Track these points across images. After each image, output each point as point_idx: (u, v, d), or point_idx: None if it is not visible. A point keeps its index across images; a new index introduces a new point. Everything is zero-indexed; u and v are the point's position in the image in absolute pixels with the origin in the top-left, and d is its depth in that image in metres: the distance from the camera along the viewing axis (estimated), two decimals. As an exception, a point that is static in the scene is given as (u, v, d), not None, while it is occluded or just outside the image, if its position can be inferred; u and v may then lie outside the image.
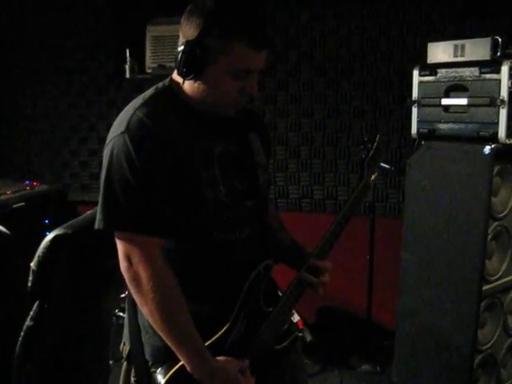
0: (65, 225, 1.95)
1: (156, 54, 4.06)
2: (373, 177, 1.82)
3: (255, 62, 1.47)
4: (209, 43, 1.43)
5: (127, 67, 4.07)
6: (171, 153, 1.44)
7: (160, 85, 1.57)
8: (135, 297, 1.47)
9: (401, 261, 2.99)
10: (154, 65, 4.03)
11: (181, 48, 1.45)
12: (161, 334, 1.46)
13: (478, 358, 2.83)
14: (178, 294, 1.46)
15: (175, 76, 1.54)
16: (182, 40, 1.47)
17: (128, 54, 4.04)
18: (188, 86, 1.50)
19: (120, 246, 1.46)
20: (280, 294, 1.69)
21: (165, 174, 1.44)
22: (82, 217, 2.08)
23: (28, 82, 4.43)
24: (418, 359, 2.99)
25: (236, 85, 1.48)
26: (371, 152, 1.80)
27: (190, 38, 1.44)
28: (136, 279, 1.44)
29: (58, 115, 4.42)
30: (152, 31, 4.05)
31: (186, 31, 1.46)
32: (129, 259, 1.44)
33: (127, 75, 4.08)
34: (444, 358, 2.86)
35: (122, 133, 1.43)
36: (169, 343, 1.46)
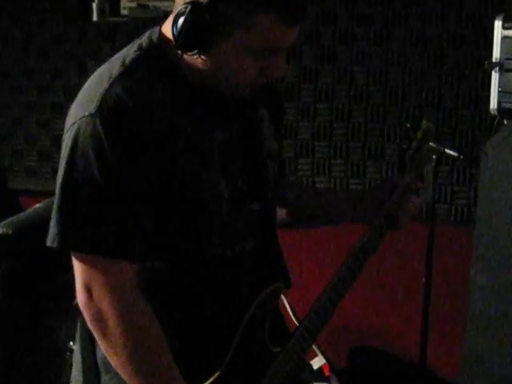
0: (5, 222, 1.96)
1: (135, -12, 4.05)
2: (426, 175, 1.90)
3: (284, 39, 1.48)
4: (224, 10, 1.41)
5: (95, 6, 4.06)
6: (159, 145, 1.44)
7: (145, 42, 1.55)
8: (99, 342, 1.47)
9: (470, 285, 2.99)
10: (132, 4, 4.02)
11: (183, 10, 1.42)
12: None
13: None
14: (157, 336, 1.46)
15: (166, 31, 1.53)
16: None
17: (96, -12, 4.04)
18: (188, 57, 1.49)
19: (78, 271, 1.46)
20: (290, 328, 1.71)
21: (149, 174, 1.43)
22: (26, 212, 2.08)
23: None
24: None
25: (255, 64, 1.48)
26: (414, 143, 1.86)
27: (199, 0, 1.41)
28: (100, 319, 1.44)
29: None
30: (130, -44, 4.05)
31: None
32: (89, 291, 1.44)
33: (94, 17, 4.08)
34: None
35: (92, 115, 1.42)
36: None
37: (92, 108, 1.42)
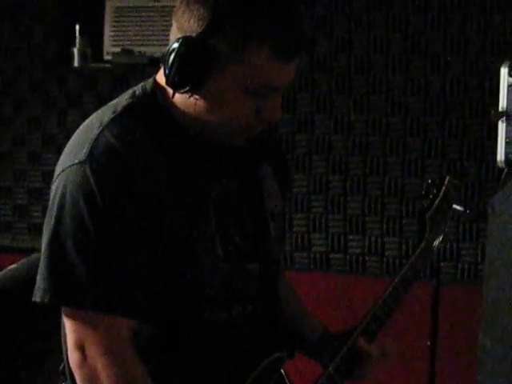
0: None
1: (119, 32, 4.08)
2: (438, 239, 1.85)
3: (280, 76, 1.47)
4: (216, 45, 1.42)
5: (76, 51, 4.08)
6: (152, 197, 1.44)
7: (138, 90, 1.56)
8: None
9: (478, 349, 2.97)
10: (116, 49, 4.05)
11: (174, 46, 1.43)
12: None
13: None
14: None
15: (160, 78, 1.53)
16: (176, 33, 1.47)
17: (78, 33, 4.06)
18: (180, 99, 1.49)
19: (70, 330, 1.45)
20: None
21: (142, 227, 1.43)
22: (2, 273, 2.06)
23: None
24: None
25: (251, 105, 1.47)
26: (436, 201, 1.82)
27: (190, 34, 1.43)
28: (94, 380, 1.42)
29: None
30: (114, 0, 4.08)
31: (183, 22, 1.46)
32: (82, 349, 1.43)
33: (75, 63, 4.09)
34: None
35: (81, 162, 1.42)
36: None
37: (82, 155, 1.42)
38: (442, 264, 3.52)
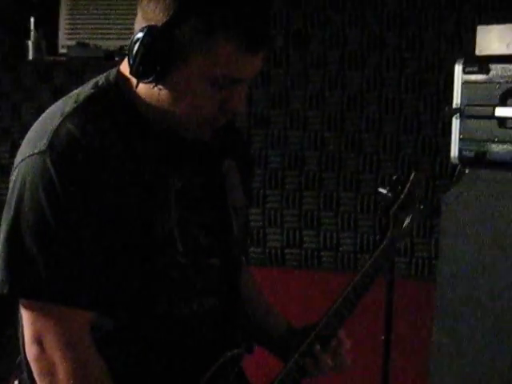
0: None
1: (74, 26, 4.05)
2: (402, 235, 1.85)
3: (245, 68, 1.46)
4: (181, 35, 1.41)
5: (30, 44, 4.05)
6: (113, 188, 1.43)
7: (101, 81, 1.56)
8: None
9: (431, 344, 3.00)
10: (71, 42, 4.02)
11: (139, 35, 1.43)
12: None
13: None
14: None
15: (124, 69, 1.52)
16: (141, 23, 1.46)
17: (33, 26, 4.02)
18: (144, 89, 1.49)
19: (28, 321, 1.44)
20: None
21: (101, 218, 1.42)
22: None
23: None
24: None
25: (215, 97, 1.47)
26: (401, 198, 1.82)
27: (154, 24, 1.42)
28: (50, 373, 1.42)
29: None
30: (69, -6, 4.06)
31: (148, 11, 1.45)
32: (40, 342, 1.42)
33: (30, 56, 4.06)
34: None
35: (42, 152, 1.41)
36: None
37: (42, 145, 1.41)
38: (396, 259, 3.56)
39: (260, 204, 3.87)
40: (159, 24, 1.41)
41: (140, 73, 1.43)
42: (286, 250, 3.90)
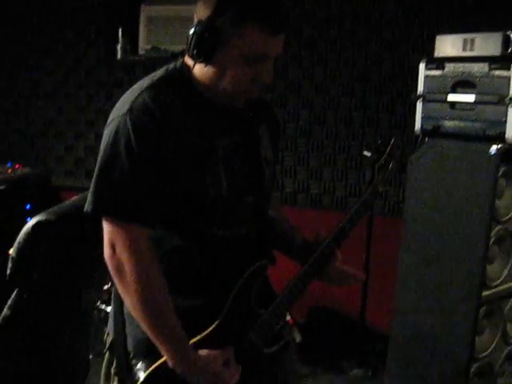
0: (47, 211, 1.94)
1: (150, 34, 4.03)
2: (383, 181, 1.81)
3: (270, 47, 1.44)
4: (221, 24, 1.40)
5: (119, 48, 4.04)
6: (173, 144, 1.43)
7: (171, 66, 1.55)
8: (118, 287, 1.46)
9: (398, 262, 3.00)
10: (148, 46, 4.01)
11: (193, 29, 1.43)
12: (143, 327, 1.46)
13: (474, 367, 2.84)
14: (163, 287, 1.45)
15: (187, 59, 1.52)
16: (195, 20, 1.46)
17: (120, 34, 4.02)
18: (198, 70, 1.48)
19: (106, 232, 1.45)
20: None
21: (164, 164, 1.42)
22: (66, 203, 2.06)
23: (11, 60, 4.40)
24: (412, 365, 3.00)
25: (248, 72, 1.45)
26: (383, 157, 1.80)
27: (202, 18, 1.42)
28: (119, 269, 1.43)
29: (43, 96, 4.39)
30: (146, 11, 4.03)
31: (199, 11, 1.45)
32: (113, 247, 1.43)
33: (118, 56, 4.06)
34: (439, 365, 2.86)
35: (124, 114, 1.42)
36: (151, 337, 1.45)
37: (125, 110, 1.42)
38: (374, 202, 3.56)
39: (280, 162, 3.87)
40: (204, 18, 1.41)
41: (194, 56, 1.43)
42: (297, 195, 3.92)
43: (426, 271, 2.89)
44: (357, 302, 3.54)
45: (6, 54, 4.40)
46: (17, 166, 3.59)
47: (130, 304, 1.45)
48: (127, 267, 1.42)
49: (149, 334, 1.45)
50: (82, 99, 4.31)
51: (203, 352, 1.49)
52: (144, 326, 1.45)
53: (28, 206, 3.38)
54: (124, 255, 1.42)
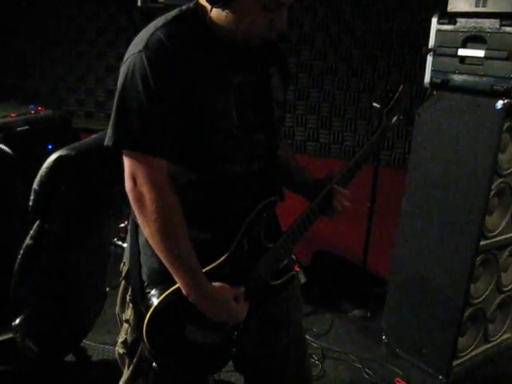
0: (69, 146, 1.95)
1: (169, -18, 3.95)
2: (390, 128, 1.80)
3: None
4: None
5: (139, -5, 3.98)
6: (188, 78, 1.41)
7: (184, 7, 1.52)
8: (138, 217, 1.47)
9: (401, 210, 3.01)
10: (167, -7, 3.94)
11: None
12: (160, 256, 1.47)
13: (468, 312, 2.88)
14: (180, 217, 1.45)
15: (202, 1, 1.49)
16: None
17: (141, -19, 3.94)
18: (215, 13, 1.45)
19: (127, 165, 1.45)
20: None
21: (179, 98, 1.41)
22: (86, 140, 2.07)
23: (35, 7, 4.34)
24: (409, 308, 3.04)
25: (265, 17, 1.43)
26: (392, 102, 1.77)
27: None
28: (140, 200, 1.43)
29: (65, 41, 4.35)
30: (167, -42, 3.94)
31: None
32: (134, 179, 1.43)
33: (138, 3, 3.99)
34: (434, 309, 2.90)
35: (140, 51, 1.40)
36: (167, 265, 1.47)
37: (141, 47, 1.40)
38: (381, 152, 3.54)
39: (291, 110, 3.83)
40: None
41: (213, 1, 1.41)
42: (308, 143, 3.89)
43: (427, 220, 2.90)
44: (359, 248, 3.56)
45: (30, 0, 4.34)
46: (39, 108, 3.57)
47: (149, 234, 1.46)
48: (147, 198, 1.42)
49: (165, 262, 1.47)
50: (102, 45, 4.28)
51: (216, 284, 1.51)
52: (161, 255, 1.47)
53: (50, 146, 3.38)
54: (145, 187, 1.42)
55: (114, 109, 1.43)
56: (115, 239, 3.66)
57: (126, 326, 1.64)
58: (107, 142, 1.43)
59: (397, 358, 3.08)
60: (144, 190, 1.42)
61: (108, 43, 4.26)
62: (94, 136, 2.06)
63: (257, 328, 1.68)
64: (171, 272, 1.47)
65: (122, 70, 1.44)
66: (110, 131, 1.43)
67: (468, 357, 3.01)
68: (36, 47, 4.42)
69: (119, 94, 1.42)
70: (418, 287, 2.98)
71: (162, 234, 1.44)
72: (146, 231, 1.46)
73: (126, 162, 1.45)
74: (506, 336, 3.25)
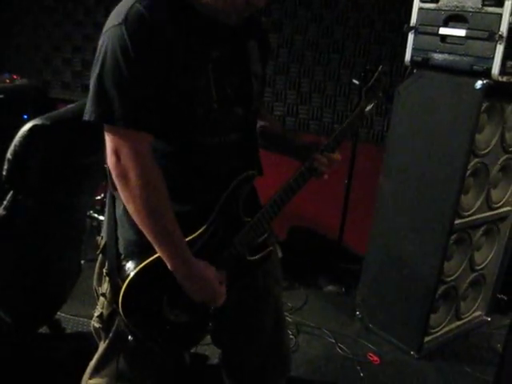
0: (44, 116, 1.91)
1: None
2: (369, 107, 1.78)
3: None
4: None
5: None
6: (167, 51, 1.38)
7: None
8: (121, 193, 1.44)
9: (378, 187, 3.01)
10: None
11: None
12: (145, 232, 1.45)
13: (440, 289, 2.92)
14: (164, 191, 1.43)
15: None
16: None
17: None
18: None
19: (109, 140, 1.41)
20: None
21: (159, 71, 1.38)
22: (62, 110, 2.03)
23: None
24: (383, 284, 3.07)
25: None
26: (371, 82, 1.76)
27: None
28: (124, 175, 1.40)
29: (42, 11, 4.23)
30: None
31: None
32: (117, 154, 1.40)
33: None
34: (408, 286, 2.93)
35: (119, 24, 1.36)
36: (152, 241, 1.45)
37: (120, 19, 1.36)
38: (359, 130, 3.53)
39: (271, 85, 3.79)
40: None
41: None
42: (287, 118, 3.85)
43: (404, 198, 2.91)
44: (336, 224, 3.57)
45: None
46: (14, 77, 3.48)
47: (133, 209, 1.43)
48: (132, 173, 1.39)
49: (151, 237, 1.45)
50: (79, 14, 4.16)
51: (201, 262, 1.50)
52: (146, 230, 1.44)
53: (25, 116, 3.31)
54: (129, 162, 1.39)
55: (93, 82, 1.39)
56: (91, 212, 3.62)
57: (102, 299, 1.62)
58: (88, 116, 1.38)
59: (370, 334, 3.11)
60: (129, 166, 1.39)
61: (85, 12, 4.15)
62: (70, 106, 2.01)
63: (234, 303, 1.67)
64: (156, 247, 1.45)
65: (101, 42, 1.40)
66: (89, 105, 1.39)
67: (440, 333, 3.06)
68: (11, 16, 4.30)
69: (99, 68, 1.38)
70: (392, 264, 3.00)
71: (148, 209, 1.41)
72: (131, 207, 1.43)
73: (109, 136, 1.41)
74: (477, 313, 3.30)
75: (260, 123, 1.75)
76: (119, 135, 1.39)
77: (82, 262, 2.67)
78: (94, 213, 3.66)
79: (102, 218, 3.49)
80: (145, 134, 1.40)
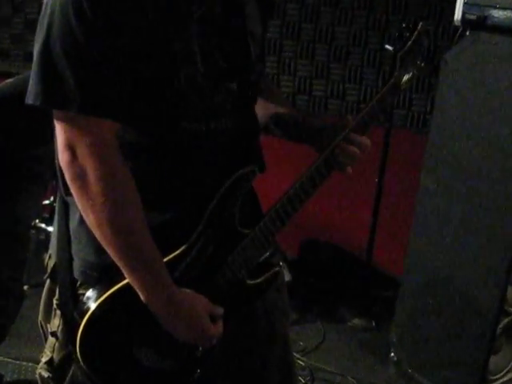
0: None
1: None
2: (406, 77, 1.76)
3: None
4: None
5: None
6: (136, 9, 1.37)
7: None
8: (78, 201, 1.43)
9: (419, 188, 3.01)
10: None
11: None
12: (110, 252, 1.44)
13: (503, 323, 2.91)
14: (135, 198, 1.43)
15: None
16: None
17: None
18: None
19: (61, 131, 1.40)
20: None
21: (126, 37, 1.36)
22: (-2, 86, 2.03)
23: None
24: (425, 317, 3.07)
25: None
26: (408, 45, 1.75)
27: None
28: (81, 177, 1.39)
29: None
30: None
31: None
32: (72, 150, 1.38)
33: None
34: (458, 319, 2.93)
35: None
36: (120, 264, 1.44)
37: None
38: (394, 111, 3.53)
39: (276, 53, 3.79)
40: None
41: None
42: (298, 97, 3.87)
43: (453, 202, 2.90)
44: (363, 238, 3.57)
45: None
46: None
47: (93, 222, 1.42)
48: (92, 175, 1.38)
49: (116, 258, 1.44)
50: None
51: (188, 291, 1.50)
52: (111, 249, 1.43)
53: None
54: (88, 160, 1.38)
55: (37, 53, 1.37)
56: (36, 221, 3.62)
57: (52, 340, 1.62)
58: (33, 99, 1.37)
59: (409, 381, 3.11)
60: (87, 165, 1.38)
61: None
62: (8, 81, 2.01)
63: (228, 344, 1.67)
64: (125, 272, 1.44)
65: (46, 3, 1.37)
66: (33, 84, 1.37)
67: (502, 380, 3.05)
68: None
69: (45, 33, 1.36)
70: (437, 290, 3.01)
71: (113, 221, 1.40)
72: (90, 219, 1.42)
73: (60, 126, 1.40)
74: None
75: (269, 108, 1.74)
76: (75, 125, 1.37)
77: (26, 287, 2.67)
78: (41, 222, 3.67)
79: (51, 229, 3.50)
80: (109, 122, 1.39)
